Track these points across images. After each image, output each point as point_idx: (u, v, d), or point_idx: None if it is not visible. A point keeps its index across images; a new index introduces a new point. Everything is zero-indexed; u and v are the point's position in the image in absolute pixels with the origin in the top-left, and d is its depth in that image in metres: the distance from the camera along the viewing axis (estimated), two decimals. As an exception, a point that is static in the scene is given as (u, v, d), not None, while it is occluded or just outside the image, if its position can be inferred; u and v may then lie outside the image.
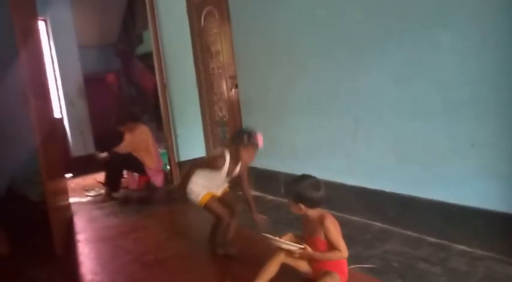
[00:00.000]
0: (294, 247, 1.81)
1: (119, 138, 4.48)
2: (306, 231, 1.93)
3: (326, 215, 1.84)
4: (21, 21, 2.65)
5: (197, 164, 2.49)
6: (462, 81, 2.14)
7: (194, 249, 2.63)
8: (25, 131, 2.77)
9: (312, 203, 1.83)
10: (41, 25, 5.40)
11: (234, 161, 2.36)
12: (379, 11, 2.50)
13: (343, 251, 1.79)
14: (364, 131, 2.73)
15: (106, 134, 4.93)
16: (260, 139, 2.29)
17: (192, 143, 4.59)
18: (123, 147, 4.28)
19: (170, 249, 2.64)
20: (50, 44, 5.63)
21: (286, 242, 1.83)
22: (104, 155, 4.56)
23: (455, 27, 2.13)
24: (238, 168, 2.41)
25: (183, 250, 2.62)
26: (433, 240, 2.34)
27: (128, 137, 4.38)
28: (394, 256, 2.21)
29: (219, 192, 2.48)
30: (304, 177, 1.87)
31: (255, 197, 3.63)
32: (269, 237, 1.85)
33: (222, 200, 2.45)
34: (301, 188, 1.83)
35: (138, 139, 4.33)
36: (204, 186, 2.39)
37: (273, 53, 3.42)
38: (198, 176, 2.38)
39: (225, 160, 2.34)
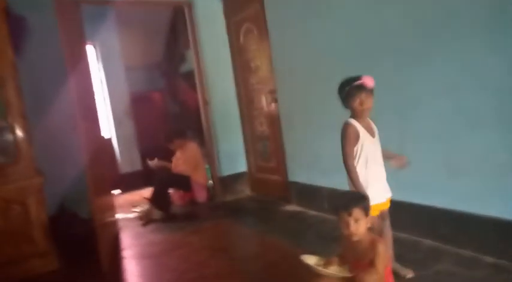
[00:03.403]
0: (338, 274, 1.69)
1: (167, 154, 4.62)
2: (350, 254, 1.74)
3: (380, 239, 1.70)
4: (70, 46, 2.79)
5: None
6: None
7: (238, 267, 2.61)
8: (75, 151, 2.89)
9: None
10: (90, 50, 5.72)
11: (361, 119, 2.00)
12: (423, 17, 2.39)
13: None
14: (412, 143, 2.60)
15: (153, 149, 5.06)
16: (367, 79, 1.92)
17: (233, 158, 4.62)
18: (182, 170, 4.37)
19: (213, 266, 2.63)
20: (98, 67, 5.93)
21: (332, 273, 1.70)
22: (154, 162, 4.69)
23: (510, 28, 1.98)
24: (373, 124, 2.06)
25: (227, 268, 2.59)
26: (490, 260, 2.16)
27: (179, 155, 4.48)
28: (447, 277, 2.07)
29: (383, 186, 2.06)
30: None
31: (297, 213, 3.61)
32: (312, 266, 1.73)
33: None
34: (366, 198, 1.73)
35: (188, 156, 4.42)
36: (373, 180, 1.99)
37: (312, 66, 3.38)
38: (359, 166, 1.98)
39: (353, 126, 1.98)
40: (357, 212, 1.64)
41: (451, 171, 2.38)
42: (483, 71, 2.13)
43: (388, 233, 2.11)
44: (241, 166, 4.65)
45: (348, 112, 2.06)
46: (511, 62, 1.99)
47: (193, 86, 5.08)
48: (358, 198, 1.72)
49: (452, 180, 2.37)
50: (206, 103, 4.52)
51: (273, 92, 3.96)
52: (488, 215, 2.20)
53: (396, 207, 2.70)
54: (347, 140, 1.97)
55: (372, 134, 2.02)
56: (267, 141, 4.26)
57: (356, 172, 1.96)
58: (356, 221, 1.64)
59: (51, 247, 2.90)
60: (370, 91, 1.94)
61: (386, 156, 2.08)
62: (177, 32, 6.62)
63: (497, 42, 2.04)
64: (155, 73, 7.34)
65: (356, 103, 1.95)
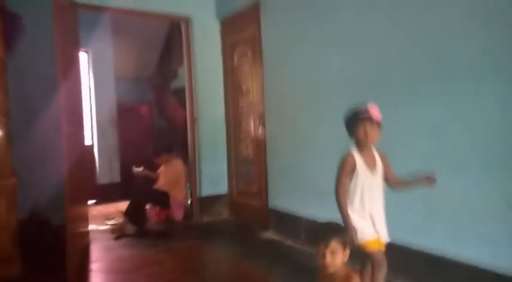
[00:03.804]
0: None
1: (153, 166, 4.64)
2: None
3: (354, 275, 1.68)
4: (63, 51, 2.77)
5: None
6: (504, 135, 2.02)
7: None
8: (55, 155, 2.82)
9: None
10: (83, 56, 5.69)
11: (364, 151, 1.95)
12: (412, 54, 2.46)
13: None
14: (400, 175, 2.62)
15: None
16: (373, 110, 1.90)
17: (215, 179, 4.57)
18: (162, 185, 4.32)
19: (182, 288, 2.56)
20: (89, 74, 5.88)
21: None
22: (139, 169, 4.62)
23: (497, 74, 2.03)
24: (378, 159, 1.99)
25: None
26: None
27: (164, 171, 4.44)
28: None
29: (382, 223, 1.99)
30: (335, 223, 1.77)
31: (274, 241, 3.56)
32: None
33: None
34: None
35: (173, 173, 4.37)
36: (365, 216, 1.94)
37: (301, 94, 3.42)
38: (350, 201, 1.95)
39: (351, 156, 1.94)
40: (333, 244, 1.64)
41: (429, 213, 2.40)
42: (468, 115, 2.18)
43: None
44: (222, 188, 4.60)
45: (339, 143, 2.08)
46: (496, 107, 2.05)
47: (182, 103, 5.08)
48: (336, 230, 1.71)
49: (429, 222, 2.39)
50: (194, 121, 4.51)
51: (261, 117, 3.98)
52: (460, 260, 2.21)
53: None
54: (341, 169, 1.94)
55: (372, 168, 1.96)
56: (250, 165, 4.24)
57: (343, 202, 1.92)
58: (332, 253, 1.63)
59: (16, 252, 2.77)
60: (376, 123, 1.91)
61: (411, 183, 2.04)
62: (172, 47, 6.65)
63: (483, 86, 2.10)
64: (145, 86, 7.32)
65: (360, 133, 1.92)
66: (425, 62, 2.39)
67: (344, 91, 2.97)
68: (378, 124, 1.92)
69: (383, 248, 1.98)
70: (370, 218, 1.94)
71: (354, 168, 1.93)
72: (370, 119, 1.90)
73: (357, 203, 1.93)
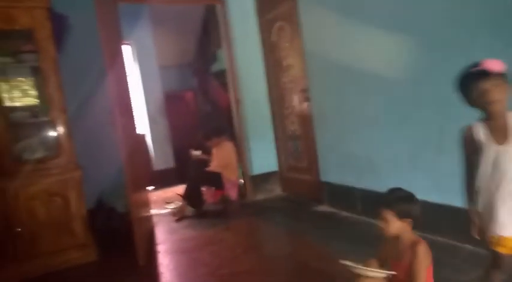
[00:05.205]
0: (382, 274, 1.63)
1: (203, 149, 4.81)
2: (389, 254, 1.70)
3: (421, 241, 1.60)
4: (108, 45, 2.87)
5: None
6: None
7: (269, 265, 2.61)
8: (113, 147, 2.97)
9: (417, 222, 1.60)
10: (127, 49, 5.87)
11: (491, 119, 1.49)
12: (465, 19, 2.32)
13: None
14: (452, 142, 2.51)
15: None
16: (490, 63, 1.42)
17: (264, 157, 4.62)
18: (215, 167, 4.45)
19: (245, 263, 2.64)
20: (134, 66, 6.08)
21: (373, 270, 1.64)
22: (198, 152, 4.79)
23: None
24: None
25: (258, 265, 2.60)
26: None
27: (216, 153, 4.56)
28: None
29: None
30: (404, 191, 1.66)
31: (329, 213, 3.57)
32: (350, 266, 1.65)
33: None
34: (411, 203, 1.61)
35: (224, 155, 4.48)
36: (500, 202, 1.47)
37: (346, 64, 3.33)
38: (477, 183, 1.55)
39: (468, 129, 1.56)
40: (387, 213, 1.62)
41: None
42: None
43: None
44: (273, 165, 4.65)
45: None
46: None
47: (224, 85, 5.13)
48: (389, 201, 1.65)
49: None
50: (238, 102, 4.55)
51: (304, 91, 3.94)
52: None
53: (435, 210, 2.63)
54: (461, 146, 1.61)
55: (501, 139, 1.46)
56: (298, 141, 4.24)
57: (467, 184, 1.61)
58: (386, 221, 1.62)
59: (89, 239, 3.00)
60: (498, 77, 1.42)
61: None
62: (209, 31, 6.69)
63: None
64: (187, 72, 7.46)
65: (476, 96, 1.46)
66: (478, 20, 2.24)
67: (393, 58, 2.85)
68: (502, 78, 1.43)
69: None
70: (503, 206, 1.47)
71: (474, 142, 1.53)
72: (485, 74, 1.42)
73: (484, 184, 1.52)
